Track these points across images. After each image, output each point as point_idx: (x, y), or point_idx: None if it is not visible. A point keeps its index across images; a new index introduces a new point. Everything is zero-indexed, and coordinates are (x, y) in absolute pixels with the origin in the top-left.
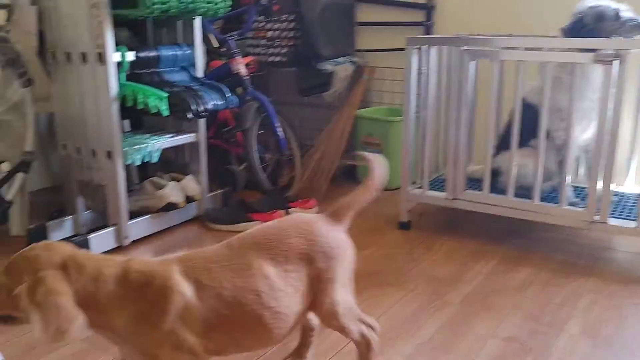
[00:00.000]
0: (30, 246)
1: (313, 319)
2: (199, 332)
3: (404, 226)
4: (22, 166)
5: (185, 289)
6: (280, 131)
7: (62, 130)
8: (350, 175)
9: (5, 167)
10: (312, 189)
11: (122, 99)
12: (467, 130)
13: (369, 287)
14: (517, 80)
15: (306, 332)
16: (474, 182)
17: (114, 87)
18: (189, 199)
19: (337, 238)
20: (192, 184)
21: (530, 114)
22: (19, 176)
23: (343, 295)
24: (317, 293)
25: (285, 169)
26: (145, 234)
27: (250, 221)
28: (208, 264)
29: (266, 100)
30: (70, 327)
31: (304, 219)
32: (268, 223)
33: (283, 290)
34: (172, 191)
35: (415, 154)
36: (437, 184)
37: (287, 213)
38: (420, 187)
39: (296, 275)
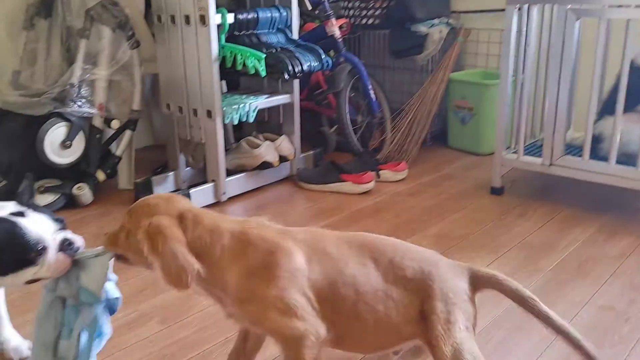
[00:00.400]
0: (153, 195)
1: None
2: (310, 300)
3: (496, 191)
4: (130, 124)
5: (299, 257)
6: (372, 94)
7: (165, 90)
8: (440, 139)
9: (115, 124)
10: (402, 152)
11: (222, 60)
12: (567, 94)
13: (458, 250)
14: (625, 40)
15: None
16: (570, 149)
17: (214, 48)
18: (283, 159)
19: (466, 291)
20: (286, 144)
21: (638, 77)
22: (127, 133)
23: (469, 342)
24: (433, 333)
25: (375, 132)
26: (241, 191)
27: (340, 182)
28: (336, 240)
29: (359, 62)
30: (186, 276)
31: (444, 258)
32: (403, 242)
33: (389, 299)
34: (267, 150)
35: (511, 119)
36: (533, 150)
37: (378, 175)
38: (514, 153)
39: (405, 296)
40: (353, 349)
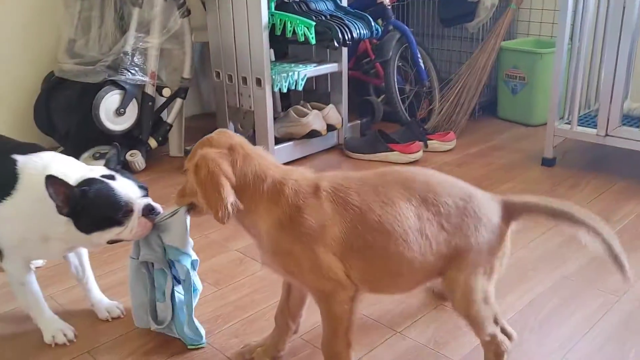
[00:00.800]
0: (205, 137)
1: None
2: (337, 254)
3: (548, 162)
4: (181, 92)
5: (329, 207)
6: (420, 62)
7: (215, 58)
8: (490, 109)
9: (166, 92)
10: (450, 122)
11: (271, 28)
12: (626, 62)
13: None
14: None
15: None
16: (627, 119)
17: (264, 16)
18: (330, 128)
19: (498, 226)
20: (334, 113)
21: None
22: (178, 101)
23: (483, 284)
24: (454, 269)
25: (423, 102)
26: (289, 159)
27: (388, 151)
28: (360, 187)
29: (408, 30)
30: (222, 209)
31: (478, 191)
32: (437, 174)
33: (423, 237)
34: (314, 119)
35: (565, 88)
36: (587, 120)
37: (425, 145)
38: (567, 123)
39: (439, 233)
40: (389, 291)
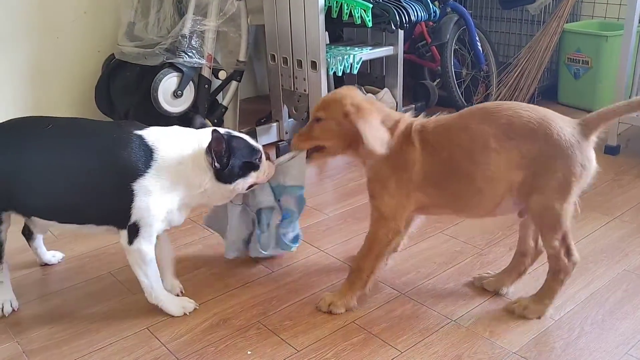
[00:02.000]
0: (333, 91)
1: (529, 244)
2: (418, 184)
3: (612, 150)
4: (236, 74)
5: (417, 144)
6: (479, 46)
7: (271, 41)
8: (550, 94)
9: (222, 75)
10: None
11: (327, 10)
12: None
13: None
14: None
15: (517, 257)
16: None
17: None
18: None
19: (575, 144)
20: (388, 97)
21: None
22: (233, 84)
23: (558, 202)
24: (533, 185)
25: (480, 86)
26: None
27: None
28: (438, 126)
29: (466, 12)
30: (384, 142)
31: (556, 114)
32: (515, 104)
33: (498, 159)
34: None
35: (632, 73)
36: None
37: None
38: None
39: (516, 152)
40: (474, 214)
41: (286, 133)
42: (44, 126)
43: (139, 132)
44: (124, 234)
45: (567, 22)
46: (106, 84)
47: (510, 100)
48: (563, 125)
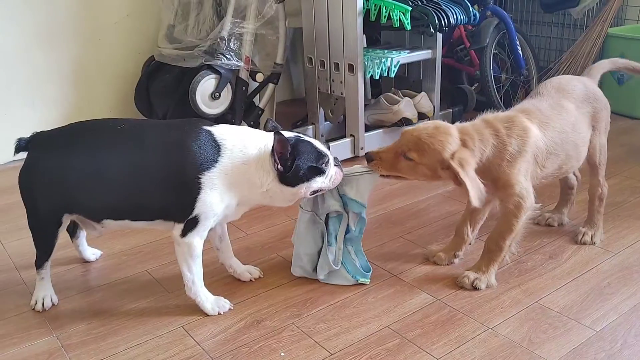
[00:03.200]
0: (418, 126)
1: (572, 180)
2: (541, 162)
3: None
4: (273, 77)
5: (536, 129)
6: (519, 50)
7: (308, 44)
8: None
9: (259, 77)
10: None
11: (366, 13)
12: None
13: (608, 218)
14: None
15: (565, 190)
16: None
17: (359, 1)
18: (421, 116)
19: (601, 93)
20: (425, 101)
21: None
22: (270, 86)
23: (604, 139)
24: (594, 129)
25: (520, 91)
26: (378, 147)
27: None
28: (539, 110)
29: (507, 16)
30: (484, 197)
31: (581, 77)
32: (566, 77)
33: (582, 122)
34: (406, 107)
35: None
36: None
37: None
38: None
39: (586, 112)
40: (575, 165)
41: (322, 136)
42: (114, 127)
43: (207, 128)
44: (179, 226)
45: (611, 27)
46: (145, 86)
47: None
48: (593, 85)
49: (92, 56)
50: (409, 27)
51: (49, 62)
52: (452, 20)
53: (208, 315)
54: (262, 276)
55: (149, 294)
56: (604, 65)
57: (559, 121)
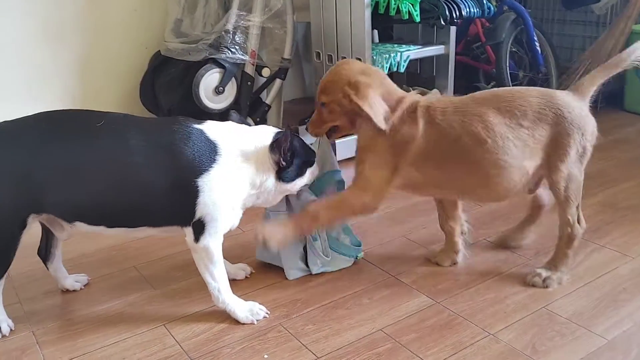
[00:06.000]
0: (329, 70)
1: (543, 197)
2: (414, 161)
3: None
4: (280, 72)
5: (421, 122)
6: (537, 46)
7: (316, 38)
8: (615, 100)
9: (266, 72)
10: None
11: (375, 6)
12: None
13: (627, 222)
14: None
15: (534, 209)
16: None
17: None
18: None
19: (581, 110)
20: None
21: None
22: (277, 82)
23: (576, 168)
24: (551, 157)
25: None
26: None
27: None
28: (446, 107)
29: (525, 11)
30: (386, 117)
31: (549, 90)
32: (516, 88)
33: (512, 141)
34: None
35: None
36: None
37: None
38: None
39: (530, 132)
40: (482, 200)
41: None
42: (89, 119)
43: (198, 126)
44: (189, 231)
45: (635, 23)
46: (151, 80)
47: None
48: (569, 101)
49: (99, 51)
50: (418, 19)
51: (56, 56)
52: (464, 13)
53: (192, 314)
54: (253, 272)
55: (135, 290)
56: (598, 76)
57: (462, 131)
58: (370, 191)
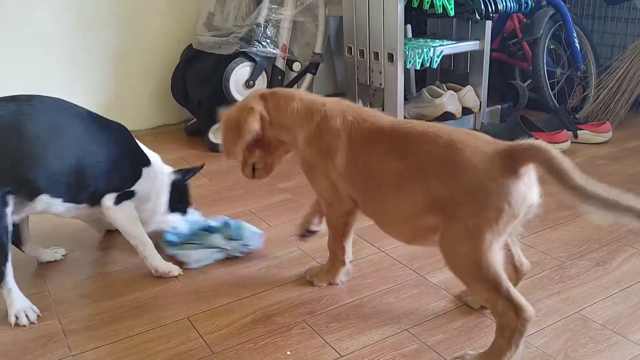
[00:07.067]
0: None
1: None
2: (341, 173)
3: None
4: (311, 67)
5: (344, 136)
6: (576, 43)
7: (348, 32)
8: None
9: (297, 67)
10: (607, 111)
11: (408, 1)
12: None
13: None
14: None
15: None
16: None
17: None
18: (466, 111)
19: (490, 185)
20: (471, 96)
21: None
22: (308, 76)
23: (468, 245)
24: (440, 227)
25: (577, 88)
26: None
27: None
28: (368, 130)
29: (564, 6)
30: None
31: (472, 140)
32: (442, 126)
33: (403, 191)
34: (449, 100)
35: None
36: None
37: (575, 135)
38: None
39: (420, 186)
40: (389, 232)
41: None
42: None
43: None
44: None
45: None
46: (182, 73)
47: (610, 106)
48: (478, 161)
49: (132, 44)
50: (452, 13)
51: (92, 48)
52: (500, 7)
53: (216, 308)
54: (182, 273)
55: (159, 282)
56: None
57: (367, 160)
58: (332, 202)
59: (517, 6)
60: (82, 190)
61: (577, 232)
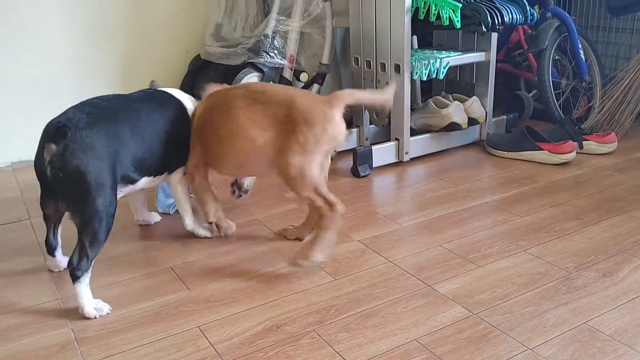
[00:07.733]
0: None
1: None
2: (201, 142)
3: None
4: (318, 77)
5: (200, 109)
6: (581, 54)
7: (355, 43)
8: None
9: (304, 77)
10: (612, 122)
11: (415, 11)
12: None
13: None
14: None
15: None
16: None
17: None
18: (472, 122)
19: (318, 109)
20: (477, 106)
21: None
22: (315, 87)
23: (300, 160)
24: (278, 145)
25: (582, 99)
26: (424, 152)
27: (535, 150)
28: (214, 92)
29: (569, 17)
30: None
31: (300, 90)
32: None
33: (242, 116)
34: (455, 111)
35: None
36: None
37: (580, 146)
38: None
39: (261, 113)
40: (228, 171)
41: (366, 139)
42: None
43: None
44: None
45: None
46: (190, 83)
47: (615, 117)
48: (309, 97)
49: (142, 53)
50: (458, 25)
51: (103, 56)
52: (506, 19)
53: (226, 317)
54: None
55: (170, 291)
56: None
57: (211, 110)
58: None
59: (523, 18)
60: (168, 166)
61: (583, 242)
